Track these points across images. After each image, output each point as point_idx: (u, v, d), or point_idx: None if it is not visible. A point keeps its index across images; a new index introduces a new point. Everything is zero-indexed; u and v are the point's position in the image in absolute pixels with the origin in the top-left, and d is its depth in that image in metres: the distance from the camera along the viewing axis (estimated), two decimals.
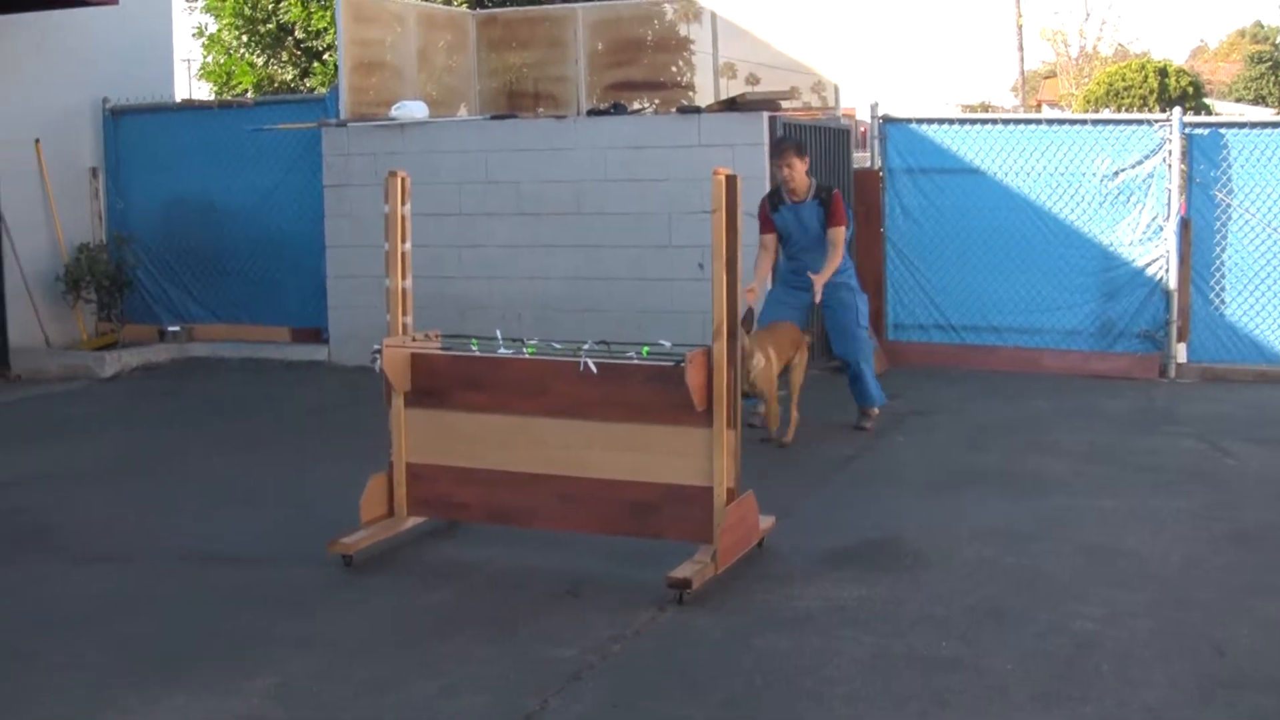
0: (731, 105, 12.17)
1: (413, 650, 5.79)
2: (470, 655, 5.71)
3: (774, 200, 9.97)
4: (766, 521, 6.97)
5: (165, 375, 13.04)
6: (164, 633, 6.08)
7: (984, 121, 13.28)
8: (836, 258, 9.76)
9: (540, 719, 5.10)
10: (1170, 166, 12.11)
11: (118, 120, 14.50)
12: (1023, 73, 47.73)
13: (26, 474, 9.14)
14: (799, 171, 9.80)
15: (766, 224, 9.98)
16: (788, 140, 10.49)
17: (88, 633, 6.10)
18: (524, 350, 6.92)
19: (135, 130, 14.48)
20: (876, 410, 10.09)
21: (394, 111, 13.08)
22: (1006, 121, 13.17)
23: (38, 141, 13.63)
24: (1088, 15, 62.18)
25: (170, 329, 14.04)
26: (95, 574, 6.94)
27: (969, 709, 5.16)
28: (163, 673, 5.58)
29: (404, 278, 7.13)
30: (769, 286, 10.19)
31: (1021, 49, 47.24)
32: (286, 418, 11.09)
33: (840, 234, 9.81)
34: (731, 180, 6.40)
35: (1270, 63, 51.25)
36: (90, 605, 6.47)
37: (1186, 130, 12.18)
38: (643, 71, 14.42)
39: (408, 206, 7.17)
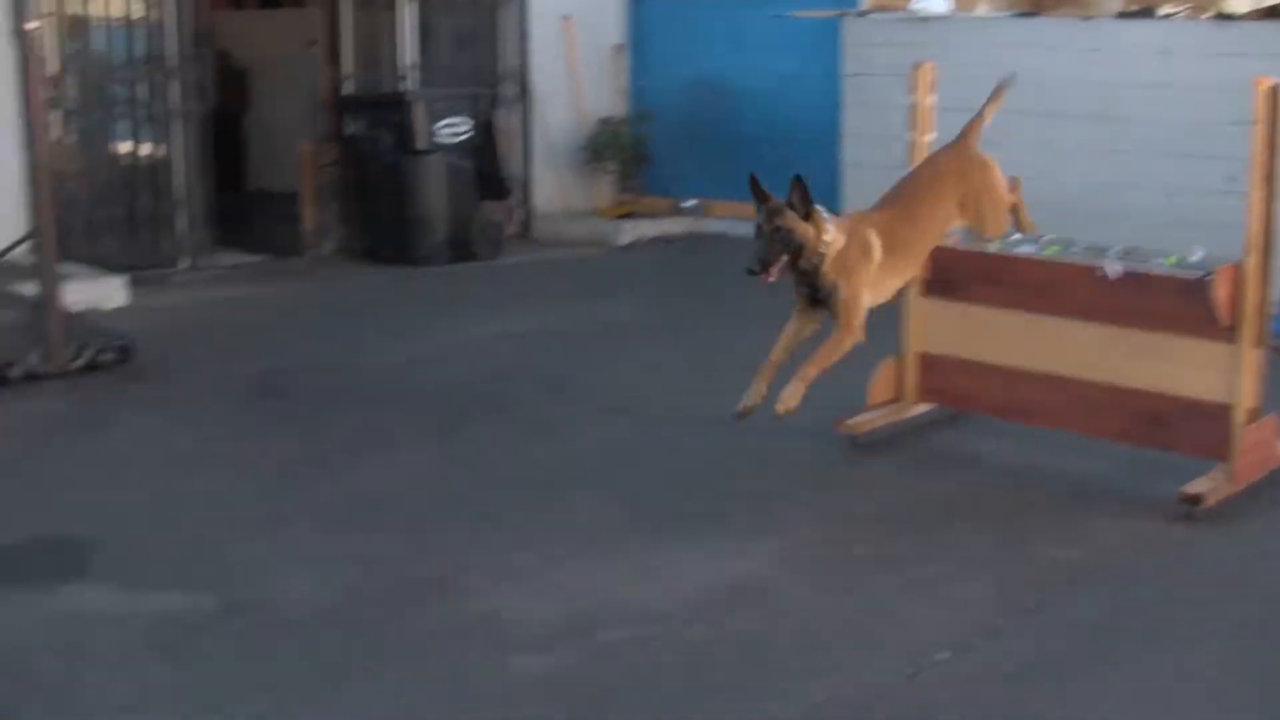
0: (1273, 13, 11.58)
1: (915, 534, 5.92)
2: (971, 545, 5.79)
3: None
4: None
5: (678, 248, 13.45)
6: (674, 489, 6.42)
7: None
8: None
9: (1037, 617, 5.15)
10: None
11: (643, 0, 14.96)
12: None
13: (544, 330, 9.71)
14: None
15: None
16: None
17: (603, 482, 6.50)
18: (1044, 250, 6.85)
19: (660, 10, 14.85)
20: None
21: (915, 5, 13.02)
22: None
23: (567, 18, 14.21)
24: None
25: (685, 203, 14.43)
26: (611, 428, 7.35)
27: None
28: (673, 528, 5.91)
29: None
30: None
31: None
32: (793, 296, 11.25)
33: None
34: (1274, 91, 6.20)
35: None
36: (605, 458, 6.88)
37: None
38: None
39: (932, 98, 7.20)
